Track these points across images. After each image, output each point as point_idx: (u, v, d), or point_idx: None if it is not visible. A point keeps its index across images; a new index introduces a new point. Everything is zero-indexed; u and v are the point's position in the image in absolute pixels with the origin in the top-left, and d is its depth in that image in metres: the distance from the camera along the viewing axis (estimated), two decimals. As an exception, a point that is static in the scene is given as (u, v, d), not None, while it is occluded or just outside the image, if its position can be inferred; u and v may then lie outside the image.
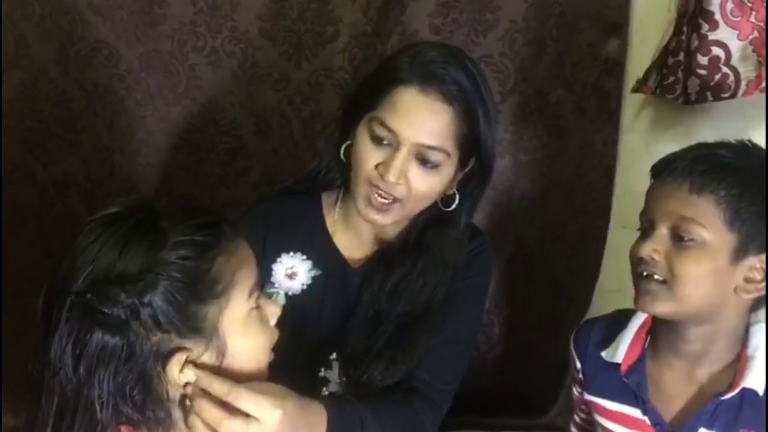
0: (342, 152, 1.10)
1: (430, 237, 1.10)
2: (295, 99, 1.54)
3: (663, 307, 0.92)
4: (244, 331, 0.79)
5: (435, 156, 1.01)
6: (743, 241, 0.89)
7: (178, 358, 0.75)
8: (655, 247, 0.92)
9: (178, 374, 0.75)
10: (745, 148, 0.94)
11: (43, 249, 1.59)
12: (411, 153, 1.00)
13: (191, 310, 0.75)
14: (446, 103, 0.99)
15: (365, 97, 1.05)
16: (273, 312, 0.85)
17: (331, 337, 1.10)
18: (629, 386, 0.99)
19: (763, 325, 0.96)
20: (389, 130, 1.00)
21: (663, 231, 0.92)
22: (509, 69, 1.51)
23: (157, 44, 1.49)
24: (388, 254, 1.11)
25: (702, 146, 0.95)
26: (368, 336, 1.07)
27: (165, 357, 0.74)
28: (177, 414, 0.79)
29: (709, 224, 0.89)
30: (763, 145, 0.96)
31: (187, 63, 1.51)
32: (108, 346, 0.72)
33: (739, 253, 0.89)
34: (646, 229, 0.95)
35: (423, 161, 1.01)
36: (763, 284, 0.91)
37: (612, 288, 1.58)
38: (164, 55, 1.50)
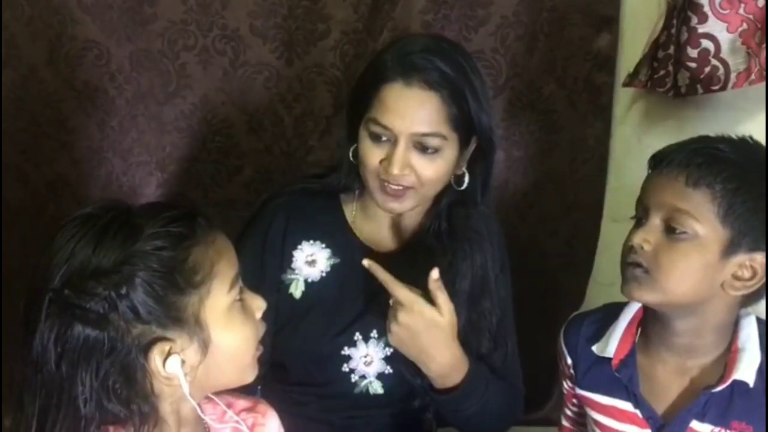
0: (351, 154, 1.15)
1: (460, 220, 1.15)
2: (286, 97, 1.54)
3: (648, 296, 0.93)
4: (227, 323, 0.79)
5: (432, 141, 1.05)
6: (735, 237, 0.88)
7: (160, 348, 0.75)
8: (647, 237, 0.91)
9: (162, 365, 0.75)
10: (745, 143, 0.93)
11: (36, 250, 1.58)
12: (409, 144, 1.05)
13: (170, 300, 0.75)
14: (431, 90, 1.04)
15: (358, 98, 1.10)
16: (258, 305, 0.85)
17: (355, 319, 1.15)
18: (621, 380, 0.99)
19: (753, 317, 0.97)
20: (384, 127, 1.05)
21: (656, 221, 0.92)
22: (501, 64, 1.51)
23: (147, 43, 1.48)
24: (425, 244, 1.15)
25: (702, 139, 0.95)
26: None
27: (147, 347, 0.74)
28: (165, 408, 0.79)
29: (703, 218, 0.88)
30: (756, 137, 0.95)
31: (178, 61, 1.50)
32: (89, 340, 0.72)
33: (730, 249, 0.89)
34: (641, 218, 0.94)
35: (423, 149, 1.06)
36: (752, 282, 0.90)
37: (605, 282, 1.58)
38: (155, 54, 1.49)
